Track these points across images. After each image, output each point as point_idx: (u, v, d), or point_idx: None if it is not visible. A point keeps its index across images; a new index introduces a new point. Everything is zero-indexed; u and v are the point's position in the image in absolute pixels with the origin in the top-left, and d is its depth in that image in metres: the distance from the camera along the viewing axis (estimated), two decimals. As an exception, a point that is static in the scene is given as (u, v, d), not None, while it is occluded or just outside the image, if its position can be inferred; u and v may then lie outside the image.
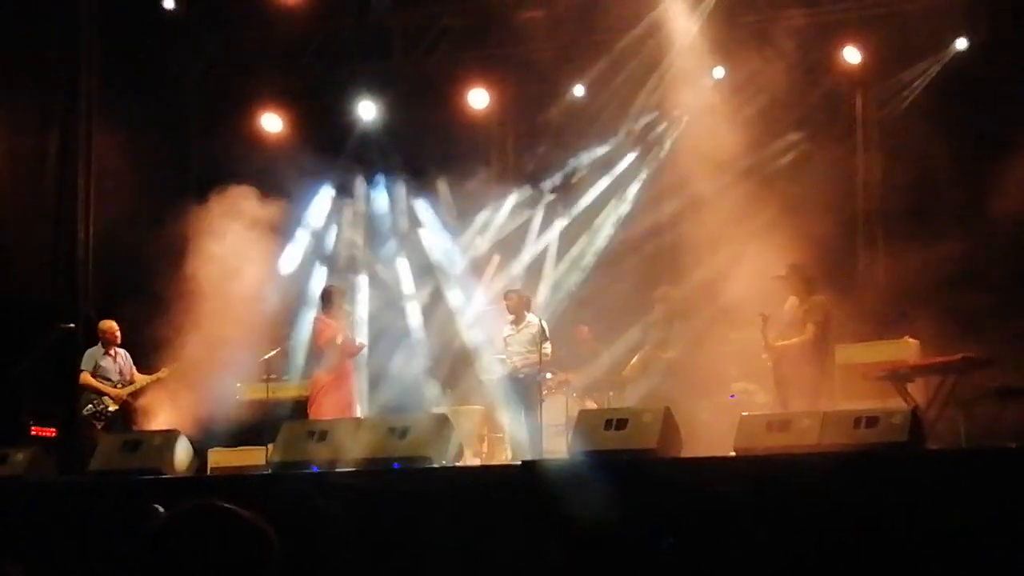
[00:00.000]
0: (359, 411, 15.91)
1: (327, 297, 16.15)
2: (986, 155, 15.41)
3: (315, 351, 16.04)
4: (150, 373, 16.14)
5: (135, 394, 16.06)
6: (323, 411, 15.31)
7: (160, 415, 16.05)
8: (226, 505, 3.07)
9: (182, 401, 16.09)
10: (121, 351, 16.19)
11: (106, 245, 18.52)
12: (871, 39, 17.23)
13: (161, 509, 11.15)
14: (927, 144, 15.87)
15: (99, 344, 16.12)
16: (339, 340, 15.70)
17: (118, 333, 16.14)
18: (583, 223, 19.04)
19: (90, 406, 15.82)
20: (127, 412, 16.06)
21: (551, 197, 19.36)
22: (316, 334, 15.86)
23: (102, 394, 15.85)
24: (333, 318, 15.81)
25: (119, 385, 16.01)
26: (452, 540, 11.44)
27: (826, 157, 16.91)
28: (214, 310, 16.37)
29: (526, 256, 19.26)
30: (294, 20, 17.86)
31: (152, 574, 2.98)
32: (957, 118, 15.54)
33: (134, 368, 16.21)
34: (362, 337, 16.51)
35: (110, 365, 16.05)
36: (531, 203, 19.44)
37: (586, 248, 18.95)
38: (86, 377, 15.95)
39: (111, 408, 15.84)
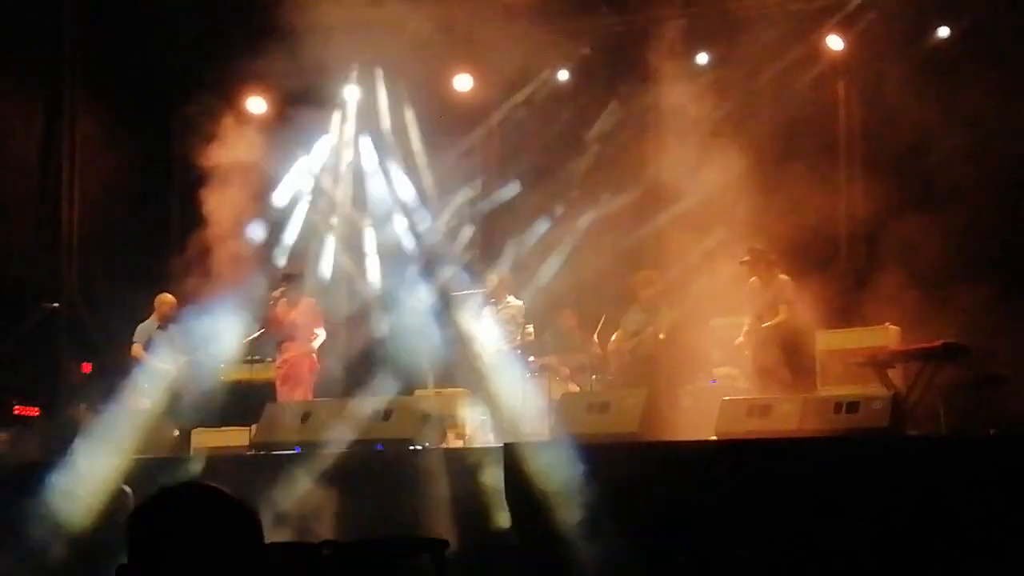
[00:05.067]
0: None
1: (290, 280, 16.26)
2: (969, 143, 15.46)
3: (284, 332, 16.02)
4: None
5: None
6: (301, 391, 15.49)
7: None
8: (207, 484, 3.10)
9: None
10: (172, 326, 16.10)
11: (91, 226, 18.52)
12: (854, 26, 17.26)
13: (128, 490, 11.05)
14: (910, 132, 15.92)
15: (152, 319, 16.05)
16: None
17: (175, 307, 16.07)
18: (566, 207, 19.00)
19: (140, 382, 15.83)
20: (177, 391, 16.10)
21: (535, 182, 19.33)
22: (309, 317, 15.95)
23: (155, 370, 15.88)
24: (292, 302, 15.95)
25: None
26: (434, 520, 11.49)
27: (809, 143, 16.96)
28: (203, 290, 16.46)
29: (511, 238, 19.21)
30: (279, 1, 17.82)
31: (132, 555, 3.00)
32: (940, 105, 15.58)
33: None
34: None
35: (163, 340, 15.99)
36: (517, 187, 19.40)
37: (568, 232, 18.91)
38: (138, 350, 15.89)
39: (160, 385, 15.87)
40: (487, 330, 16.11)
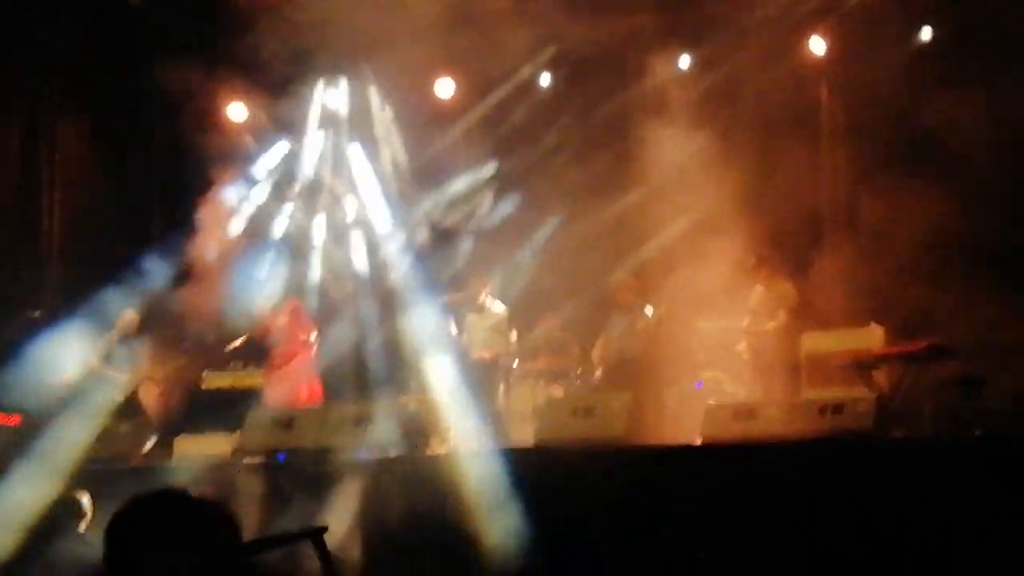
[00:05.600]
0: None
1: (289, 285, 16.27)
2: (951, 146, 15.46)
3: (270, 338, 15.96)
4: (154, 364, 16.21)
5: (146, 382, 16.08)
6: (302, 388, 15.50)
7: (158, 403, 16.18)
8: (180, 489, 3.07)
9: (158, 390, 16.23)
10: (133, 341, 16.14)
11: (71, 235, 18.43)
12: (836, 29, 17.25)
13: (84, 496, 10.90)
14: (892, 134, 15.94)
15: (113, 332, 16.04)
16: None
17: (136, 324, 16.09)
18: (549, 209, 18.90)
19: (96, 393, 15.75)
20: (136, 401, 16.04)
21: (517, 184, 19.24)
22: (298, 320, 15.89)
23: (110, 381, 15.82)
24: (277, 308, 15.93)
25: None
26: (417, 528, 11.44)
27: (791, 146, 16.93)
28: (187, 299, 16.44)
29: (491, 242, 19.10)
30: (259, 10, 17.78)
31: (108, 564, 2.97)
32: (923, 108, 15.58)
33: (139, 360, 16.19)
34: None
35: (122, 354, 16.00)
36: (494, 188, 19.31)
37: (548, 233, 18.81)
38: (95, 363, 15.88)
39: (118, 397, 15.81)
40: (467, 334, 16.09)
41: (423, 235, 19.20)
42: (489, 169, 19.21)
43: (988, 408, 12.33)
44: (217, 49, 17.43)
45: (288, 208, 19.39)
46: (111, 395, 15.72)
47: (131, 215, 18.59)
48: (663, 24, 18.00)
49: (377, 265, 19.00)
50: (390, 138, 19.50)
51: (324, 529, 4.10)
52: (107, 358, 15.99)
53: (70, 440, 13.84)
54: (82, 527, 10.90)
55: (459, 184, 19.28)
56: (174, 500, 3.03)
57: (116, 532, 2.97)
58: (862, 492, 10.32)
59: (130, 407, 15.83)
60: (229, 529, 3.01)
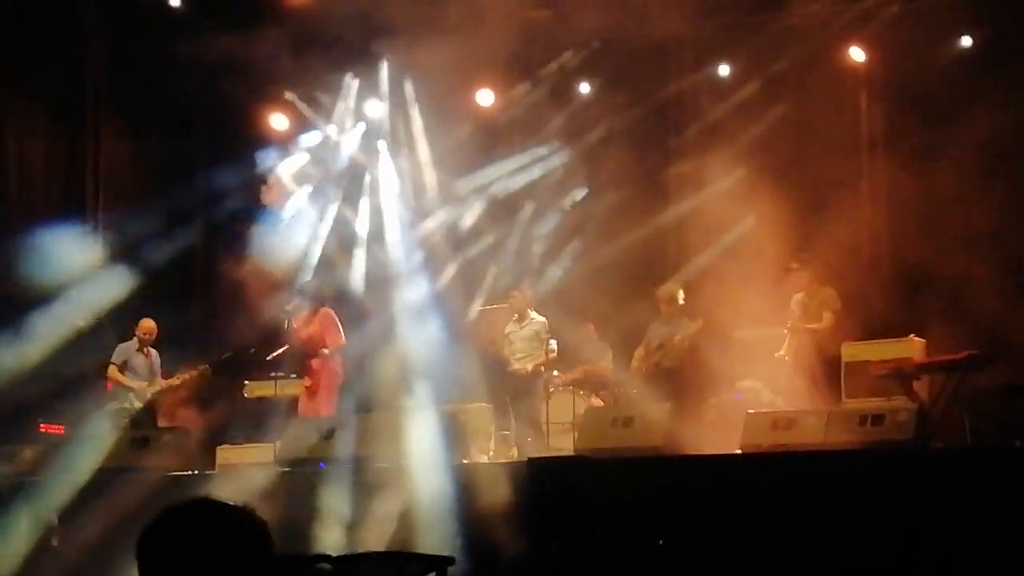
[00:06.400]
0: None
1: (304, 293, 16.27)
2: (991, 155, 15.41)
3: (305, 347, 15.95)
4: (173, 374, 16.21)
5: (161, 393, 16.09)
6: (324, 405, 15.50)
7: (179, 413, 16.19)
8: (212, 498, 3.11)
9: (198, 399, 16.28)
10: (153, 351, 16.17)
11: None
12: (876, 38, 17.20)
13: (54, 517, 10.97)
14: (933, 144, 15.87)
15: (133, 340, 16.08)
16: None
17: (155, 333, 16.11)
18: (585, 215, 18.86)
19: (115, 402, 15.81)
20: (153, 410, 16.09)
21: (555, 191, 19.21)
22: (328, 329, 15.86)
23: (128, 390, 15.85)
24: (310, 317, 15.88)
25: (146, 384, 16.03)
26: (458, 536, 11.48)
27: (832, 156, 16.91)
28: (228, 306, 16.52)
29: (530, 250, 19.08)
30: (301, 18, 17.87)
31: (145, 571, 3.02)
32: (963, 117, 15.53)
33: (159, 370, 16.22)
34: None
35: (141, 363, 16.00)
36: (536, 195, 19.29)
37: (587, 242, 18.76)
38: (113, 371, 15.92)
39: (136, 405, 15.85)
40: (508, 344, 16.07)
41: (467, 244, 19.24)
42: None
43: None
44: (254, 45, 17.52)
45: (332, 203, 19.47)
46: (129, 405, 15.79)
47: (173, 223, 18.72)
48: (704, 31, 18.01)
49: (413, 269, 19.02)
50: (423, 134, 19.48)
51: (451, 560, 4.08)
52: (125, 367, 16.01)
53: (85, 452, 13.96)
54: (55, 541, 11.04)
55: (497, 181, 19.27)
56: (201, 508, 3.08)
57: (147, 545, 3.02)
58: (902, 502, 10.30)
59: (148, 417, 15.89)
60: (257, 534, 3.05)
